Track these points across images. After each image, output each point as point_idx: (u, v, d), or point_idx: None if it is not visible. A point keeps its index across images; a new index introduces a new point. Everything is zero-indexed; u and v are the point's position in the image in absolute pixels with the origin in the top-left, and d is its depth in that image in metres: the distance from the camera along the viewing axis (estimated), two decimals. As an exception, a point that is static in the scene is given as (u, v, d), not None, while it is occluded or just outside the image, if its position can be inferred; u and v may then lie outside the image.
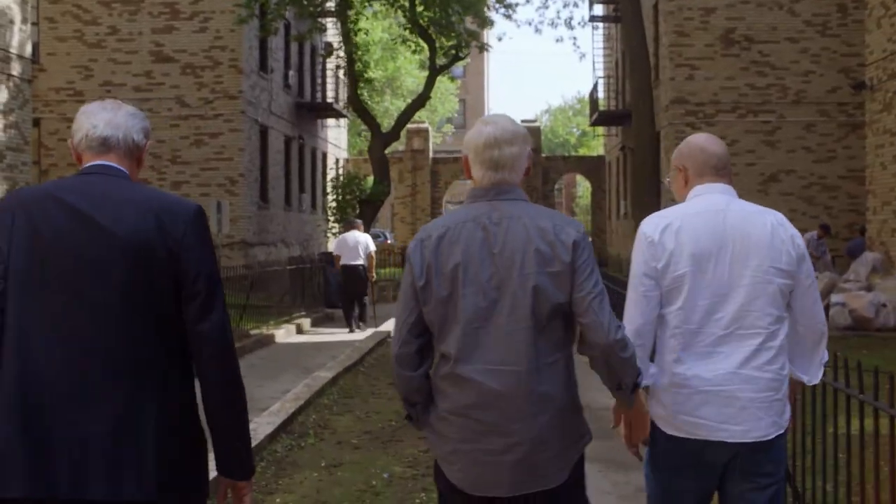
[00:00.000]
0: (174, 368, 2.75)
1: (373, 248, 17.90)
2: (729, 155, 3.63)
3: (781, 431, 3.37)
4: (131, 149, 2.92)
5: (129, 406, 2.62)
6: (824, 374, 3.82)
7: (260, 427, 8.01)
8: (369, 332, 16.62)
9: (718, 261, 3.35)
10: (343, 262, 17.48)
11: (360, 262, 17.44)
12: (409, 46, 28.99)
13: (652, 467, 3.52)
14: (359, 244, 17.51)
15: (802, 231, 20.48)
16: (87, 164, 2.86)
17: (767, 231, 3.39)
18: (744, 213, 3.45)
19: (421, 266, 3.08)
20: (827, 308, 17.21)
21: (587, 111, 69.09)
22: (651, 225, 3.45)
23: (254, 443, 7.35)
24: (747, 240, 3.36)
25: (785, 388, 3.38)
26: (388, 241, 44.39)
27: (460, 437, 3.04)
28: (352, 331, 17.36)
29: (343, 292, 18.16)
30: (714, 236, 3.36)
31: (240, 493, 2.89)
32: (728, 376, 3.29)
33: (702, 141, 3.63)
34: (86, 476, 2.55)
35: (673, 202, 3.77)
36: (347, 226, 19.03)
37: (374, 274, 18.50)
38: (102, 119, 2.92)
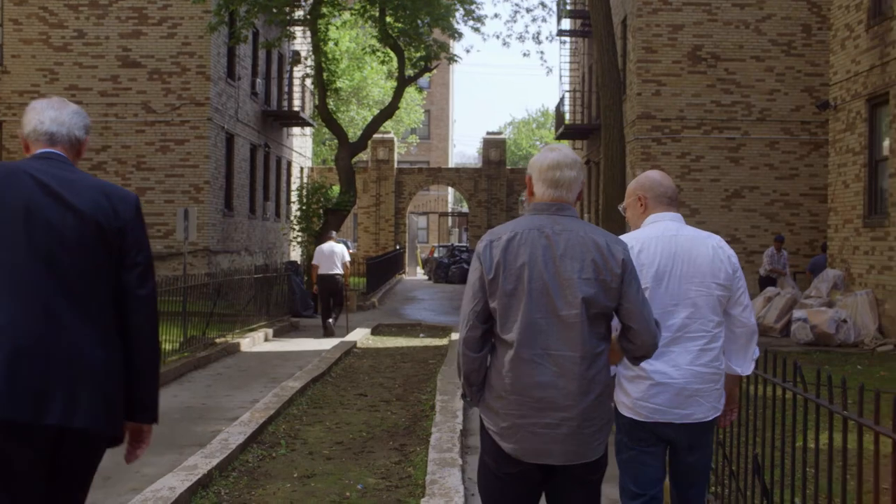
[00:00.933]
0: (112, 320, 3.28)
1: (348, 258, 18.97)
2: (676, 189, 4.53)
3: (718, 414, 4.28)
4: (73, 143, 3.43)
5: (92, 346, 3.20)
6: (803, 388, 4.51)
7: (231, 437, 7.96)
8: (336, 341, 16.56)
9: (671, 277, 4.19)
10: (320, 271, 18.44)
11: (337, 271, 18.54)
12: (378, 57, 28.99)
13: (617, 444, 4.36)
14: (335, 254, 18.56)
15: (764, 248, 20.82)
16: (39, 151, 3.37)
17: (709, 252, 4.25)
18: (690, 238, 4.30)
19: (490, 263, 3.56)
20: (788, 323, 17.42)
21: (551, 124, 69.48)
22: None
23: (225, 452, 7.36)
24: (693, 260, 4.22)
25: (722, 380, 4.28)
26: (351, 251, 44.28)
27: (519, 413, 3.51)
28: (327, 336, 18.03)
29: (320, 299, 19.00)
30: (668, 257, 4.21)
31: (144, 435, 3.45)
32: (678, 371, 4.14)
33: (658, 176, 4.50)
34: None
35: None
36: (324, 237, 19.90)
37: (349, 282, 19.61)
38: (48, 116, 3.41)
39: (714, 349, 4.21)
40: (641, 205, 4.47)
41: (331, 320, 18.63)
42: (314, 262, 18.85)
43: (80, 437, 3.16)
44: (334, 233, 20.27)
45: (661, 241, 4.25)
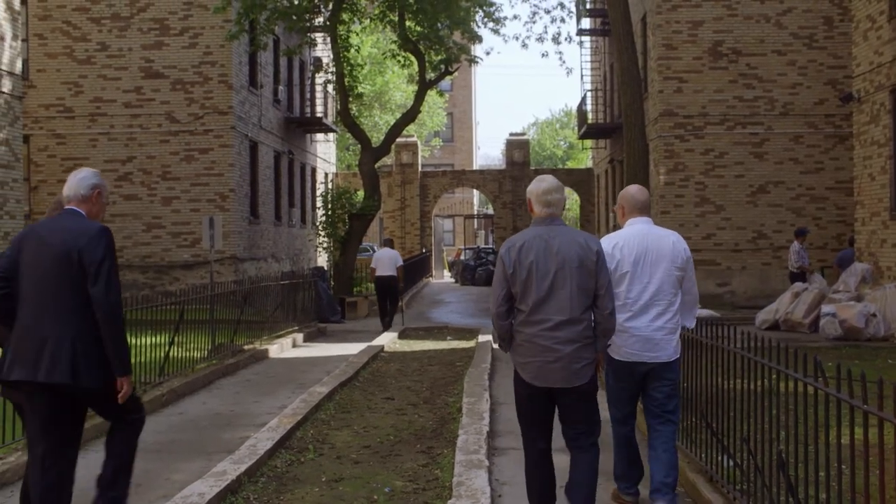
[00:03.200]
0: (89, 312, 5.22)
1: (401, 262, 21.53)
2: (650, 199, 6.56)
3: (677, 357, 6.17)
4: (80, 199, 5.52)
5: (77, 332, 5.23)
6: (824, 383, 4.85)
7: (259, 442, 8.02)
8: (364, 345, 16.62)
9: (644, 263, 6.06)
10: (378, 273, 20.73)
11: (393, 273, 20.79)
12: (399, 61, 29.07)
13: (607, 378, 6.29)
14: (391, 259, 20.97)
15: (791, 243, 20.64)
16: (63, 209, 5.55)
17: (670, 246, 6.14)
18: (657, 235, 6.17)
19: (510, 262, 5.44)
20: (817, 319, 17.32)
21: (574, 124, 69.42)
22: (607, 243, 6.09)
23: (254, 458, 7.43)
24: (659, 251, 6.10)
25: (678, 332, 6.18)
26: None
27: (531, 354, 5.43)
28: (385, 330, 20.09)
29: (378, 298, 21.27)
30: (641, 249, 6.08)
31: (122, 384, 5.29)
32: (648, 327, 6.03)
33: (634, 191, 6.38)
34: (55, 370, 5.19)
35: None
36: (384, 244, 22.68)
37: (402, 283, 22.43)
38: (67, 185, 5.58)
39: (672, 311, 6.10)
40: (622, 211, 6.36)
41: (386, 318, 20.82)
42: (372, 265, 21.08)
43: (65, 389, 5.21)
44: (391, 240, 22.89)
45: (637, 237, 6.11)
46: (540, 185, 5.50)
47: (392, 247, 21.97)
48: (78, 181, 5.49)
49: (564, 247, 5.36)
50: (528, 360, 5.41)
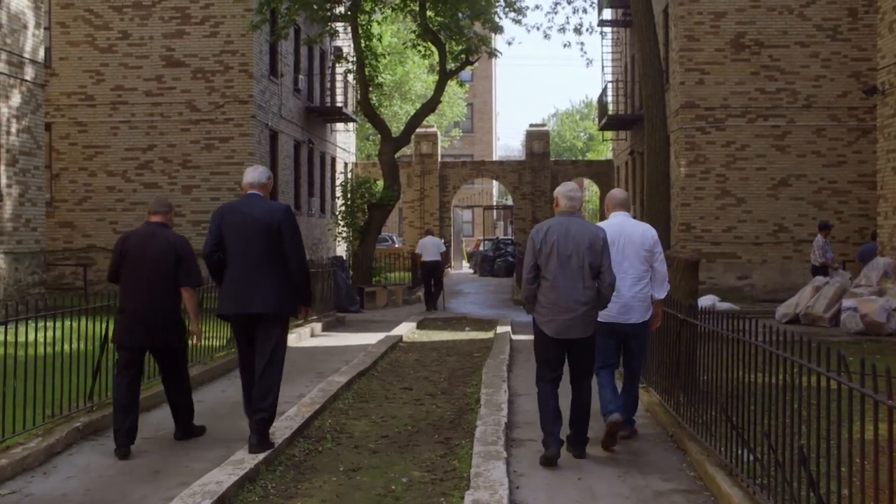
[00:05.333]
0: (283, 264, 7.62)
1: (444, 248, 25.18)
2: (628, 198, 8.73)
3: (647, 318, 8.09)
4: (260, 186, 7.74)
5: (275, 281, 7.57)
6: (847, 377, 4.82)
7: (277, 431, 8.04)
8: (383, 335, 16.64)
9: (620, 245, 7.94)
10: (424, 258, 23.66)
11: (437, 258, 23.76)
12: (419, 51, 29.01)
13: (597, 336, 7.66)
14: (435, 245, 24.01)
15: (813, 236, 20.49)
16: (247, 193, 7.73)
17: (640, 233, 8.11)
18: (631, 225, 8.19)
19: (539, 240, 7.36)
20: (838, 313, 17.20)
21: (594, 115, 69.21)
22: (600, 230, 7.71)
23: (272, 447, 7.42)
24: (632, 237, 8.05)
25: (648, 300, 8.06)
26: (397, 245, 44.41)
27: (551, 313, 7.31)
28: (429, 310, 23.07)
29: (423, 282, 24.17)
30: (619, 234, 7.96)
31: (304, 309, 7.90)
32: (626, 294, 7.91)
33: (616, 192, 8.53)
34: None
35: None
36: (427, 232, 25.67)
37: (445, 267, 26.11)
38: (250, 175, 7.77)
39: (643, 283, 8.05)
40: (608, 207, 8.47)
41: (431, 299, 23.52)
42: (417, 251, 24.32)
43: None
44: (433, 229, 26.92)
45: (616, 227, 8.06)
46: (566, 187, 7.71)
47: (435, 235, 25.09)
48: (259, 173, 7.82)
49: (579, 233, 7.32)
50: (551, 319, 7.31)
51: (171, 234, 8.02)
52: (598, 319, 7.55)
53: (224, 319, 7.99)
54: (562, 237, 7.25)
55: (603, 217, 9.78)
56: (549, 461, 7.28)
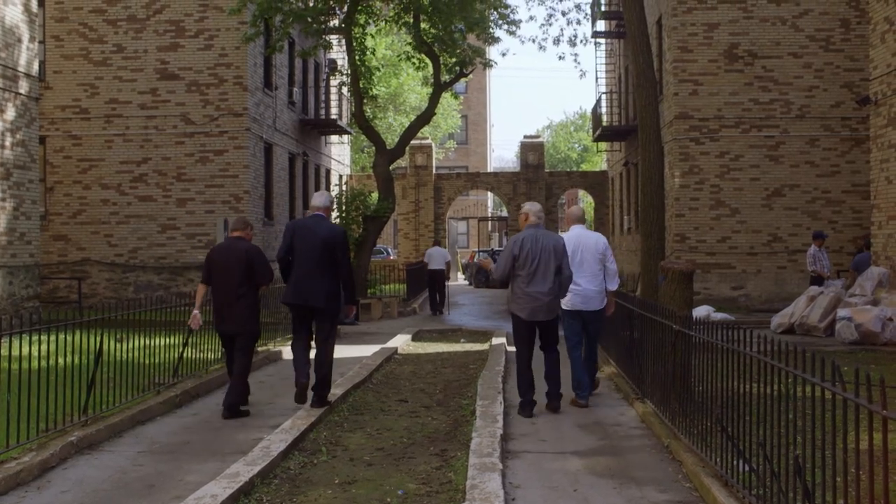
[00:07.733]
0: (335, 272, 10.26)
1: (449, 258, 26.90)
2: (584, 212, 11.73)
3: (602, 307, 10.66)
4: (325, 208, 10.45)
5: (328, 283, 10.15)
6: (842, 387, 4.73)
7: (273, 444, 8.02)
8: (378, 347, 16.61)
9: (579, 251, 10.52)
10: (430, 267, 26.02)
11: (443, 267, 25.95)
12: (413, 63, 29.06)
13: (564, 320, 10.51)
14: (442, 255, 26.13)
15: (807, 246, 20.52)
16: (314, 213, 10.42)
17: (594, 241, 10.70)
18: (587, 234, 10.75)
19: (517, 247, 9.81)
20: (833, 323, 17.20)
21: (588, 126, 69.40)
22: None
23: (267, 460, 7.42)
24: (588, 244, 10.63)
25: (604, 292, 10.65)
26: (391, 258, 44.36)
27: (525, 301, 9.82)
28: (435, 315, 25.39)
29: (429, 289, 26.50)
30: (578, 244, 10.56)
31: (350, 307, 10.66)
32: (585, 287, 10.47)
33: (574, 209, 11.10)
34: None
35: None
36: (434, 244, 28.24)
37: (449, 276, 28.24)
38: (317, 199, 10.53)
39: (599, 279, 10.53)
40: (567, 221, 10.93)
41: (437, 306, 25.97)
42: (425, 260, 26.62)
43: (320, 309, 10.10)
44: (441, 240, 30.49)
45: (575, 237, 10.56)
46: (534, 206, 10.18)
47: (441, 246, 27.67)
48: (325, 198, 10.51)
49: (546, 241, 9.79)
50: (525, 306, 9.77)
51: (246, 244, 10.35)
52: (566, 308, 10.38)
53: (286, 306, 10.58)
54: (533, 244, 9.74)
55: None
56: (523, 407, 9.93)
